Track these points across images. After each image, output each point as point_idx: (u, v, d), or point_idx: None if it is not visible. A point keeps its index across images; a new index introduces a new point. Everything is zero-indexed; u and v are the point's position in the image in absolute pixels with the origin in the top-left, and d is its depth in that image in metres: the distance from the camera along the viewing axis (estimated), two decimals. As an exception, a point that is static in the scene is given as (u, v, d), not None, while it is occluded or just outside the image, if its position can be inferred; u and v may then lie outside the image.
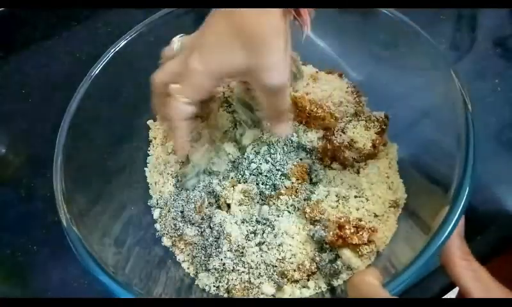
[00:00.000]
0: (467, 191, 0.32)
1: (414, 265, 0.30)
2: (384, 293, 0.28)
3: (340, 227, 0.38)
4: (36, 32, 0.70)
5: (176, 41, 0.41)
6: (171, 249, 0.44)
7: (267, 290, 0.39)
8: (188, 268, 0.42)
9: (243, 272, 0.40)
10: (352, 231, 0.38)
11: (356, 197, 0.42)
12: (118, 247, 0.40)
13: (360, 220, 0.39)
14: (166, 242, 0.44)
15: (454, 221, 0.31)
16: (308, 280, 0.39)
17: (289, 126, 0.43)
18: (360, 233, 0.38)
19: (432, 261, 0.30)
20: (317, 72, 0.50)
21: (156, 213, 0.45)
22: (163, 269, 0.42)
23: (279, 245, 0.40)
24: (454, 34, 0.61)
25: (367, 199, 0.42)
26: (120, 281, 0.34)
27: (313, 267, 0.39)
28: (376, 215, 0.41)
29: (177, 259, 0.43)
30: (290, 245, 0.40)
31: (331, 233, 0.39)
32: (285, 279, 0.39)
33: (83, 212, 0.38)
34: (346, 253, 0.38)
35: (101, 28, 0.68)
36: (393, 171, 0.44)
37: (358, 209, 0.41)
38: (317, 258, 0.39)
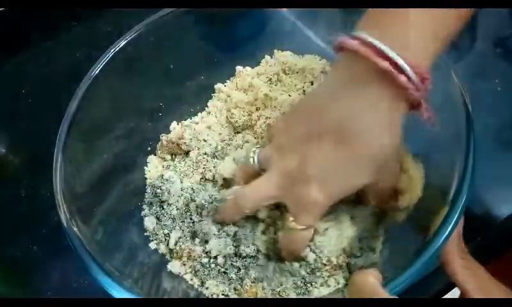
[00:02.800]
0: (467, 191, 0.32)
1: (414, 265, 0.30)
2: (384, 293, 0.28)
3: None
4: (36, 32, 0.70)
5: (252, 154, 0.39)
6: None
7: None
8: (192, 279, 0.42)
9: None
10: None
11: None
12: (119, 247, 0.40)
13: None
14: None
15: (453, 221, 0.31)
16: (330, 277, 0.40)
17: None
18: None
19: (432, 261, 0.30)
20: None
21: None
22: (164, 272, 0.42)
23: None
24: (454, 34, 0.61)
25: None
26: (120, 281, 0.34)
27: (340, 261, 0.39)
28: None
29: (178, 278, 0.43)
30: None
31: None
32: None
33: (83, 212, 0.38)
34: None
35: (101, 28, 0.68)
36: None
37: None
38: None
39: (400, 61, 0.28)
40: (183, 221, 0.44)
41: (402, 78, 0.28)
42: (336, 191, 0.33)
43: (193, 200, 0.44)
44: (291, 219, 0.36)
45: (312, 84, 0.49)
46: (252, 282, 0.40)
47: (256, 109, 0.50)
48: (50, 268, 0.47)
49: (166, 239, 0.44)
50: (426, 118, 0.31)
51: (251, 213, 0.40)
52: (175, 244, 0.43)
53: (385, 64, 0.28)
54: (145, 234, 0.45)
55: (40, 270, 0.47)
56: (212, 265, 0.41)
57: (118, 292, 0.33)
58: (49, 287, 0.46)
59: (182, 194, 0.45)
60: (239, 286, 0.40)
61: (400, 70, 0.28)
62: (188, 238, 0.43)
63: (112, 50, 0.46)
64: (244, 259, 0.40)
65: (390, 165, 0.35)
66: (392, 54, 0.28)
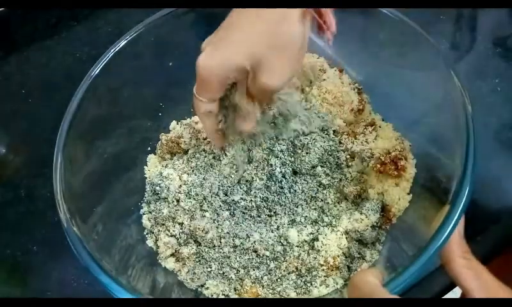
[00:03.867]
0: (467, 191, 0.32)
1: (414, 265, 0.30)
2: (384, 293, 0.28)
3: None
4: (36, 32, 0.70)
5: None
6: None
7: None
8: (187, 274, 0.42)
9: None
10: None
11: None
12: (117, 245, 0.40)
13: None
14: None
15: (454, 221, 0.31)
16: (328, 277, 0.40)
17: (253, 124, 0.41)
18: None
19: (432, 261, 0.30)
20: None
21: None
22: (160, 267, 0.42)
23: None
24: (454, 34, 0.61)
25: None
26: (119, 281, 0.34)
27: (337, 262, 0.39)
28: None
29: (179, 278, 0.43)
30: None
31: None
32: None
33: (83, 212, 0.38)
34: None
35: (101, 28, 0.68)
36: None
37: None
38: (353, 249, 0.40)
39: None
40: (181, 218, 0.44)
41: None
42: (222, 57, 0.34)
43: (192, 197, 0.44)
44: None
45: (311, 83, 0.49)
46: (252, 282, 0.40)
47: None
48: (50, 268, 0.47)
49: (164, 236, 0.44)
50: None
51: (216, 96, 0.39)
52: (177, 241, 0.43)
53: None
54: (144, 232, 0.45)
55: (39, 270, 0.47)
56: (212, 252, 0.41)
57: (118, 292, 0.33)
58: (49, 287, 0.46)
59: (180, 191, 0.45)
60: (239, 286, 0.40)
61: None
62: (186, 236, 0.43)
63: (112, 50, 0.46)
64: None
65: (285, 54, 0.34)
66: None
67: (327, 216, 0.42)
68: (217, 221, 0.43)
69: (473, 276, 0.30)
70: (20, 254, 0.49)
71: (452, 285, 0.40)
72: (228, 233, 0.42)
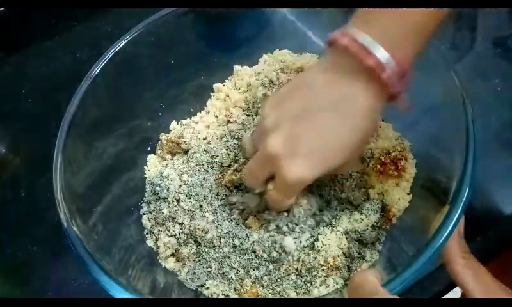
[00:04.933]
0: (467, 191, 0.32)
1: (414, 265, 0.30)
2: (384, 293, 0.28)
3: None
4: (36, 32, 0.70)
5: (247, 140, 0.43)
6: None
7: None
8: (187, 273, 0.42)
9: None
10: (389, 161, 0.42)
11: None
12: (117, 245, 0.40)
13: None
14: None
15: (454, 221, 0.31)
16: (327, 277, 0.40)
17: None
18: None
19: (432, 261, 0.30)
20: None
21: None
22: (160, 267, 0.42)
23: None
24: (454, 34, 0.61)
25: None
26: (119, 281, 0.34)
27: (337, 262, 0.39)
28: None
29: (179, 278, 0.43)
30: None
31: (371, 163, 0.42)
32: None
33: (83, 212, 0.38)
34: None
35: (101, 28, 0.68)
36: None
37: None
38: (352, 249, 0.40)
39: (385, 57, 0.31)
40: (181, 218, 0.44)
41: (385, 74, 0.31)
42: (318, 168, 0.34)
43: (192, 197, 0.44)
44: (271, 187, 0.38)
45: None
46: (252, 282, 0.40)
47: (254, 108, 0.50)
48: (50, 268, 0.47)
49: (164, 236, 0.44)
50: (403, 109, 0.34)
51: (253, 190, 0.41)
52: (177, 241, 0.43)
53: (372, 62, 0.31)
54: (144, 232, 0.45)
55: (40, 270, 0.47)
56: (212, 252, 0.41)
57: (118, 292, 0.33)
58: (49, 287, 0.46)
59: (180, 191, 0.45)
60: (239, 286, 0.40)
61: (384, 66, 0.31)
62: (186, 236, 0.43)
63: (112, 50, 0.46)
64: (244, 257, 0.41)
65: (359, 153, 0.36)
66: (378, 49, 0.31)
67: (327, 216, 0.42)
68: (217, 221, 0.43)
69: (473, 276, 0.30)
70: (20, 254, 0.49)
71: (452, 285, 0.40)
72: (227, 233, 0.42)
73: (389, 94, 0.33)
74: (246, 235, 0.41)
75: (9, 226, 0.51)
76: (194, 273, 0.42)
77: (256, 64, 0.53)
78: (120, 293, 0.33)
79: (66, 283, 0.46)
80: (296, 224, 0.41)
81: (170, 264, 0.43)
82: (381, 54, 0.31)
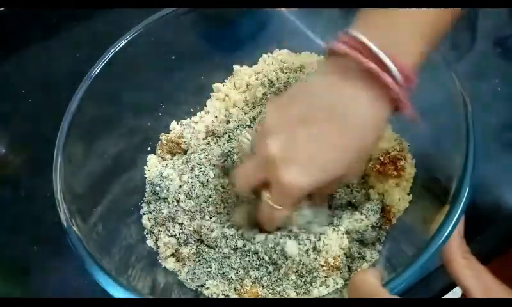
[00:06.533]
0: (467, 191, 0.32)
1: (414, 265, 0.30)
2: (384, 293, 0.28)
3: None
4: (36, 32, 0.70)
5: (246, 140, 0.41)
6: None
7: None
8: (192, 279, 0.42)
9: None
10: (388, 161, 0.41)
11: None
12: (118, 245, 0.40)
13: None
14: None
15: (454, 221, 0.31)
16: (328, 277, 0.40)
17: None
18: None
19: (432, 261, 0.30)
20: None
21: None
22: (160, 268, 0.42)
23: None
24: (454, 34, 0.61)
25: None
26: (119, 281, 0.34)
27: (337, 262, 0.39)
28: None
29: (179, 278, 0.43)
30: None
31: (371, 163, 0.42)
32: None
33: (83, 212, 0.38)
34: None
35: (101, 28, 0.68)
36: None
37: None
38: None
39: (387, 61, 0.30)
40: (181, 218, 0.44)
41: (388, 78, 0.30)
42: (316, 177, 0.33)
43: (192, 197, 0.44)
44: (267, 195, 0.36)
45: None
46: (252, 282, 0.40)
47: (254, 108, 0.50)
48: (50, 268, 0.47)
49: (164, 236, 0.44)
50: (411, 118, 0.33)
51: (244, 194, 0.41)
52: (177, 241, 0.43)
53: (372, 65, 0.30)
54: (144, 232, 0.45)
55: (39, 270, 0.47)
56: (212, 252, 0.41)
57: (118, 292, 0.33)
58: (49, 287, 0.46)
59: (180, 192, 0.45)
60: (239, 286, 0.40)
61: (387, 70, 0.30)
62: (187, 236, 0.43)
63: (112, 50, 0.46)
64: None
65: (362, 161, 0.35)
66: (380, 54, 0.30)
67: (330, 218, 0.42)
68: (220, 221, 0.43)
69: (473, 276, 0.30)
70: (20, 254, 0.49)
71: (452, 285, 0.40)
72: (232, 235, 0.42)
73: (392, 100, 0.32)
74: (252, 236, 0.41)
75: (9, 226, 0.51)
76: (194, 273, 0.41)
77: (256, 64, 0.53)
78: (119, 293, 0.33)
79: (66, 283, 0.46)
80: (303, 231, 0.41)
81: (170, 264, 0.43)
82: (383, 59, 0.30)
